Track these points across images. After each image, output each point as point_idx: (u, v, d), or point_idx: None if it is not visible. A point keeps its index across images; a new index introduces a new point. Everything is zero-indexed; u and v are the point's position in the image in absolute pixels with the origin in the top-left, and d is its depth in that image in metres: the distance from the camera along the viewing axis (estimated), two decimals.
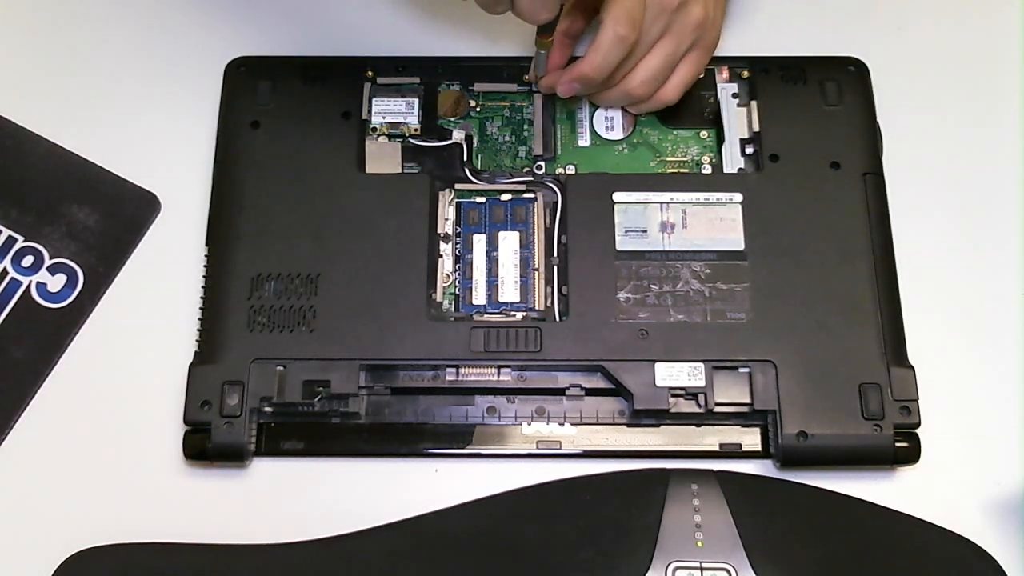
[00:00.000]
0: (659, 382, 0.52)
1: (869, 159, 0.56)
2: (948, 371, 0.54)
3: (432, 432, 0.53)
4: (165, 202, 0.58)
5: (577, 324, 0.53)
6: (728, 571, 0.47)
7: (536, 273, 0.56)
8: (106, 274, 0.57)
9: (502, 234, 0.57)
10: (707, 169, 0.58)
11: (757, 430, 0.53)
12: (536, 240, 0.56)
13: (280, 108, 0.58)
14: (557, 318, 0.54)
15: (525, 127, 0.59)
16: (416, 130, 0.58)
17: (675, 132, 0.59)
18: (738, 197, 0.56)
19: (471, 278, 0.56)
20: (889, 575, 0.48)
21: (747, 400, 0.52)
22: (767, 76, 0.59)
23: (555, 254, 0.56)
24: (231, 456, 0.52)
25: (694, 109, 0.59)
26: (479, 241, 0.56)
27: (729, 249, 0.55)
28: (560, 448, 0.53)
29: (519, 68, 0.60)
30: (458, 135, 0.58)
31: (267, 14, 0.63)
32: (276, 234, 0.55)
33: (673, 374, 0.52)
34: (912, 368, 0.52)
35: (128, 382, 0.55)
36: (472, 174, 0.57)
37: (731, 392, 0.52)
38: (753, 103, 0.58)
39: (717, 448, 0.53)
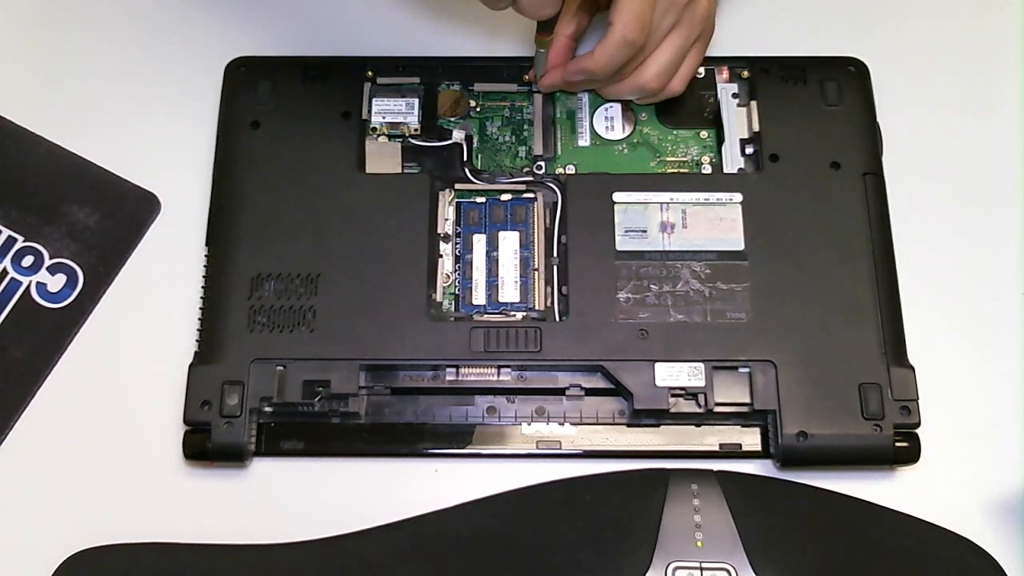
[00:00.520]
0: (659, 382, 0.52)
1: (869, 159, 0.56)
2: (948, 371, 0.54)
3: (432, 432, 0.53)
4: (165, 202, 0.58)
5: (577, 324, 0.53)
6: (728, 571, 0.47)
7: (536, 273, 0.56)
8: (106, 274, 0.57)
9: (502, 234, 0.57)
10: (707, 169, 0.58)
11: (757, 430, 0.53)
12: (536, 240, 0.56)
13: (280, 108, 0.58)
14: (557, 318, 0.54)
15: (525, 127, 0.59)
16: (416, 130, 0.58)
17: (675, 132, 0.59)
18: (738, 197, 0.56)
19: (471, 278, 0.56)
20: (889, 575, 0.48)
21: (747, 400, 0.52)
22: (767, 76, 0.59)
23: (555, 254, 0.56)
24: (231, 456, 0.52)
25: (694, 109, 0.59)
26: (479, 241, 0.56)
27: (729, 249, 0.55)
28: (560, 448, 0.53)
29: (519, 68, 0.60)
30: (458, 135, 0.58)
31: (267, 14, 0.63)
32: (276, 234, 0.55)
33: (673, 374, 0.52)
34: (912, 368, 0.52)
35: (128, 382, 0.55)
36: (472, 174, 0.57)
37: (731, 392, 0.52)
38: (753, 103, 0.58)
39: (717, 448, 0.53)
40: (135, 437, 0.53)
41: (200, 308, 0.54)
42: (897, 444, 0.51)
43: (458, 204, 0.57)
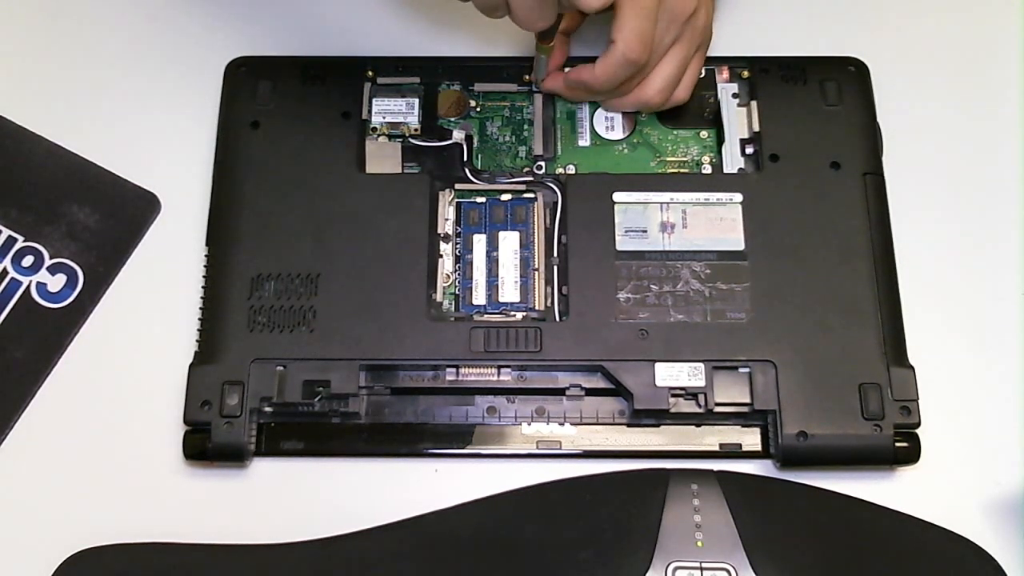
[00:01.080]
0: (659, 382, 0.52)
1: (869, 159, 0.56)
2: (948, 371, 0.54)
3: (432, 432, 0.53)
4: (165, 202, 0.58)
5: (577, 324, 0.53)
6: (728, 571, 0.47)
7: (536, 273, 0.56)
8: (106, 274, 0.57)
9: (502, 234, 0.57)
10: (707, 169, 0.58)
11: (757, 430, 0.53)
12: (536, 240, 0.56)
13: (280, 108, 0.58)
14: (557, 318, 0.54)
15: (525, 127, 0.59)
16: (416, 130, 0.58)
17: (675, 132, 0.59)
18: (738, 197, 0.56)
19: (471, 278, 0.56)
20: (889, 575, 0.48)
21: (747, 400, 0.52)
22: (767, 76, 0.59)
23: (555, 254, 0.56)
24: (231, 456, 0.52)
25: (694, 109, 0.59)
26: (479, 241, 0.56)
27: (729, 249, 0.55)
28: (560, 448, 0.53)
29: (519, 68, 0.60)
30: (458, 135, 0.58)
31: (267, 14, 0.63)
32: (276, 234, 0.55)
33: (673, 374, 0.52)
34: (912, 368, 0.52)
35: (128, 382, 0.55)
36: (472, 174, 0.57)
37: (731, 392, 0.52)
38: (753, 103, 0.58)
39: (717, 448, 0.53)
40: (135, 437, 0.53)
41: (200, 308, 0.54)
42: (897, 444, 0.51)
43: (458, 204, 0.57)
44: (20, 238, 0.57)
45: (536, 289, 0.55)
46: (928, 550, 0.49)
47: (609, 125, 0.59)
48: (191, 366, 0.53)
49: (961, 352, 0.55)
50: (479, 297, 0.55)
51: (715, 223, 0.55)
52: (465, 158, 0.58)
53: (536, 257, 0.56)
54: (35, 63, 0.61)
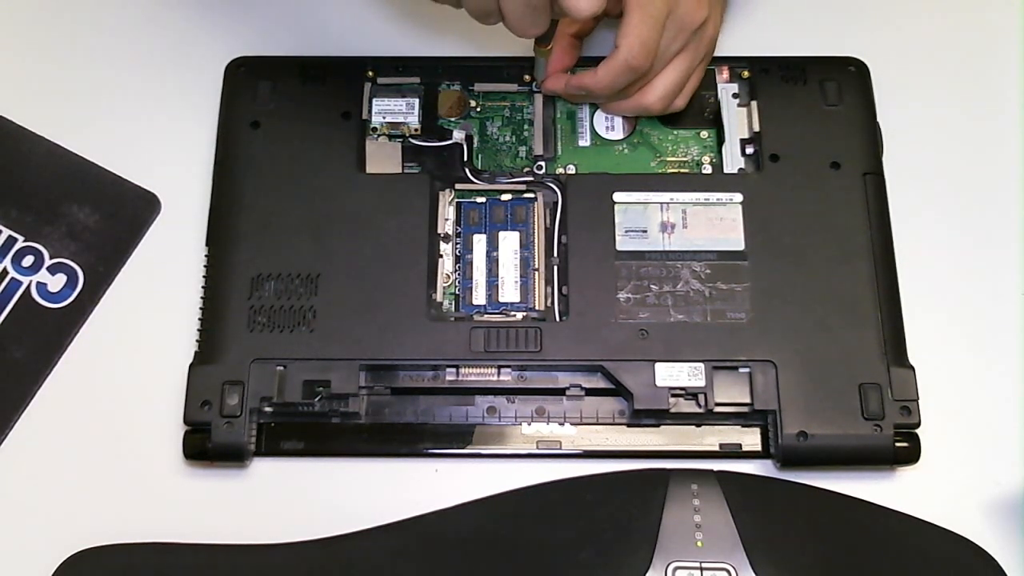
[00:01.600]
0: (659, 382, 0.52)
1: (869, 159, 0.56)
2: (948, 371, 0.54)
3: (432, 432, 0.53)
4: (165, 202, 0.58)
5: (577, 324, 0.53)
6: (728, 571, 0.47)
7: (536, 273, 0.56)
8: (106, 274, 0.57)
9: (502, 234, 0.57)
10: (707, 169, 0.58)
11: (757, 430, 0.53)
12: (536, 240, 0.56)
13: (280, 108, 0.58)
14: (557, 318, 0.54)
15: (525, 127, 0.59)
16: (416, 130, 0.58)
17: (675, 132, 0.59)
18: (738, 197, 0.56)
19: (471, 278, 0.56)
20: (889, 575, 0.48)
21: (747, 400, 0.52)
22: (767, 76, 0.59)
23: (555, 254, 0.56)
24: (231, 456, 0.52)
25: (694, 109, 0.59)
26: (479, 241, 0.56)
27: (729, 249, 0.55)
28: (560, 448, 0.53)
29: (519, 68, 0.60)
30: (458, 135, 0.58)
31: (267, 14, 0.63)
32: (276, 234, 0.55)
33: (673, 374, 0.52)
34: (912, 368, 0.52)
35: (128, 382, 0.55)
36: (472, 174, 0.57)
37: (731, 392, 0.52)
38: (753, 103, 0.58)
39: (717, 448, 0.53)
40: (135, 437, 0.53)
41: (200, 308, 0.54)
42: (897, 444, 0.51)
43: (458, 204, 0.57)
44: (20, 238, 0.57)
45: (536, 289, 0.55)
46: (928, 550, 0.49)
47: (609, 125, 0.59)
48: (191, 366, 0.53)
49: (961, 352, 0.55)
50: (479, 297, 0.55)
51: (715, 223, 0.55)
52: (465, 158, 0.58)
53: (536, 257, 0.56)
54: (35, 63, 0.61)
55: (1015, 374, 0.55)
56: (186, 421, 0.52)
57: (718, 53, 0.58)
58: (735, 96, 0.59)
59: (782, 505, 0.50)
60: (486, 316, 0.55)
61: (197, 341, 0.54)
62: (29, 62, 0.61)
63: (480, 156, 0.58)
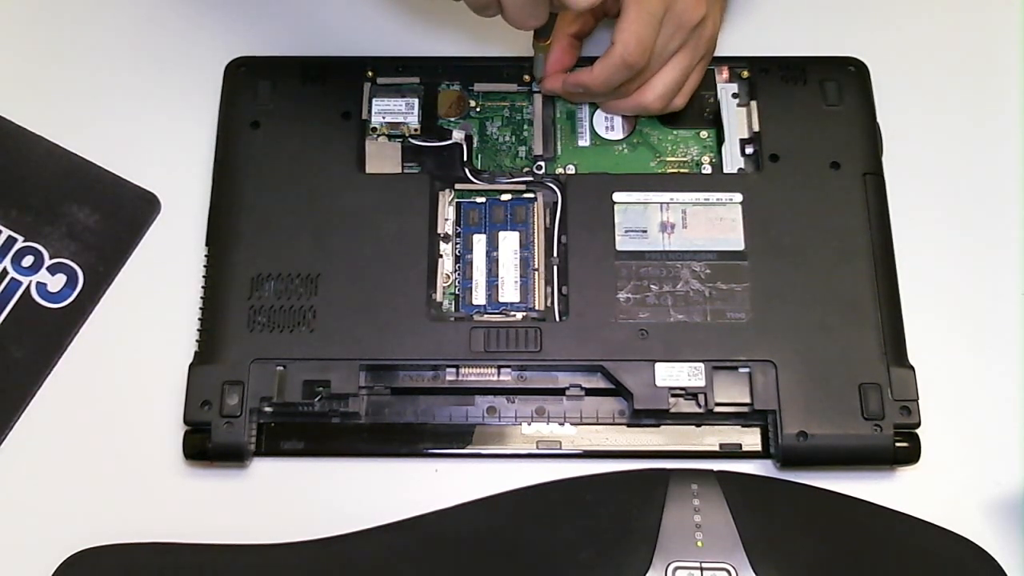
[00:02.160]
0: (659, 382, 0.52)
1: (869, 159, 0.56)
2: (948, 371, 0.54)
3: (432, 432, 0.53)
4: (165, 202, 0.58)
5: (577, 324, 0.53)
6: (728, 571, 0.47)
7: (536, 273, 0.56)
8: (106, 274, 0.57)
9: (502, 234, 0.57)
10: (707, 169, 0.58)
11: (757, 430, 0.53)
12: (536, 240, 0.56)
13: (280, 108, 0.58)
14: (557, 318, 0.54)
15: (525, 127, 0.59)
16: (416, 130, 0.58)
17: (675, 132, 0.59)
18: (738, 197, 0.56)
19: (471, 278, 0.56)
20: (889, 575, 0.48)
21: (747, 400, 0.52)
22: (767, 76, 0.59)
23: (555, 254, 0.56)
24: (231, 456, 0.52)
25: (694, 109, 0.59)
26: (479, 241, 0.56)
27: (729, 249, 0.55)
28: (560, 448, 0.53)
29: (519, 68, 0.60)
30: (458, 135, 0.58)
31: (267, 14, 0.63)
32: (276, 234, 0.55)
33: (673, 374, 0.52)
34: (912, 368, 0.52)
35: (128, 382, 0.55)
36: (472, 174, 0.57)
37: (731, 392, 0.52)
38: (753, 103, 0.58)
39: (717, 448, 0.53)
40: (135, 437, 0.53)
41: (200, 308, 0.54)
42: (897, 444, 0.51)
43: (458, 204, 0.57)
44: (20, 238, 0.57)
45: (536, 289, 0.55)
46: (928, 550, 0.49)
47: (609, 125, 0.59)
48: (191, 366, 0.53)
49: (961, 352, 0.55)
50: (479, 297, 0.55)
51: (715, 223, 0.55)
52: (465, 158, 0.58)
53: (536, 257, 0.56)
54: (35, 63, 0.61)
55: (1015, 374, 0.55)
56: (186, 421, 0.52)
57: (718, 53, 0.58)
58: (735, 96, 0.59)
59: (782, 505, 0.50)
60: (486, 316, 0.55)
61: (197, 341, 0.54)
62: (29, 62, 0.61)
63: (480, 156, 0.58)
